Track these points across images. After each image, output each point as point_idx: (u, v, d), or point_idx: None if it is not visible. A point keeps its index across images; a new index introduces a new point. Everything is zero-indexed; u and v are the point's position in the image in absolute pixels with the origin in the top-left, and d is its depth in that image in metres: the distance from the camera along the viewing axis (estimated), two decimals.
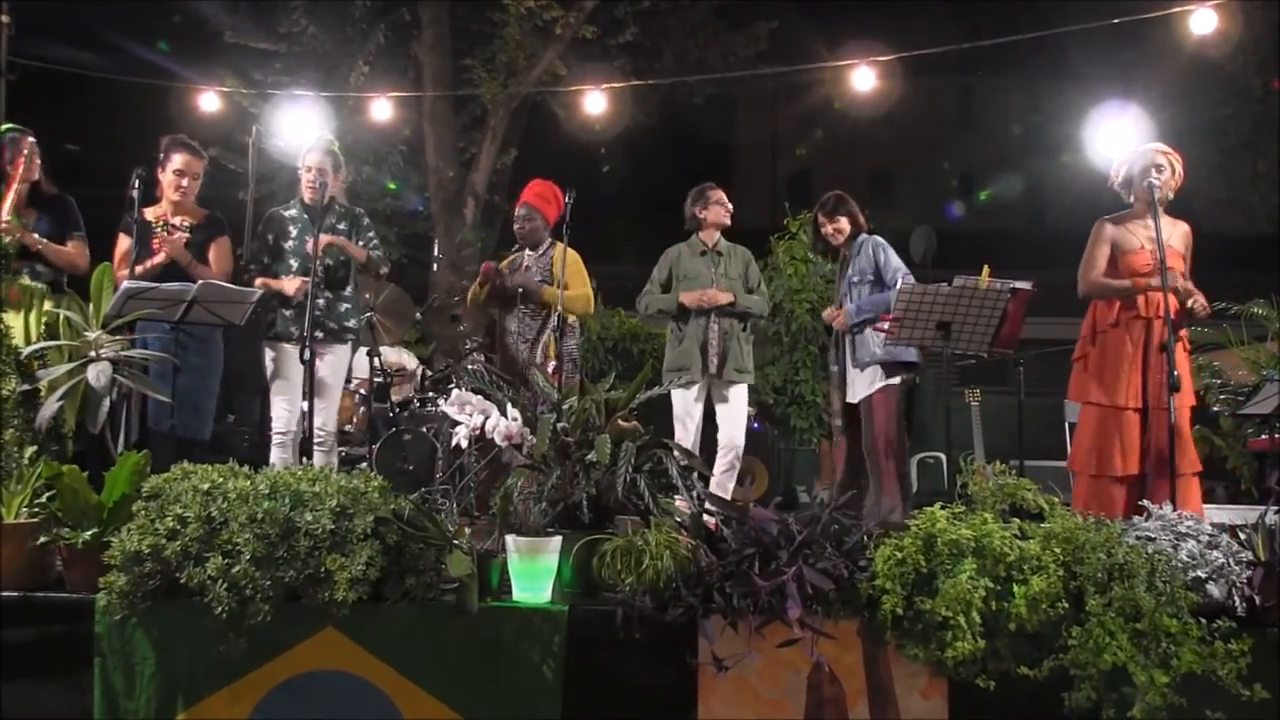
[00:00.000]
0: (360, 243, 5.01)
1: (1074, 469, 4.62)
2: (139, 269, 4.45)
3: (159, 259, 4.59)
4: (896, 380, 5.12)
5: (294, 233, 4.97)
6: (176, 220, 4.75)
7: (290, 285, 4.81)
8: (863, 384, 5.12)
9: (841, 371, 5.26)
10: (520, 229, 5.29)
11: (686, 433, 5.24)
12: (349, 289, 5.04)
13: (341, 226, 5.02)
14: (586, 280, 5.21)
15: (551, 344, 5.11)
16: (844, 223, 5.28)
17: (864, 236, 5.26)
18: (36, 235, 4.42)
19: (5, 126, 4.61)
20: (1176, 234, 4.52)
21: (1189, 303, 4.38)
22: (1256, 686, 2.52)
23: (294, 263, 4.93)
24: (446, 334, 6.41)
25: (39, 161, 4.57)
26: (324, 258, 4.79)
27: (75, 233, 4.57)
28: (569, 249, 4.93)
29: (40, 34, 8.96)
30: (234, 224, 5.11)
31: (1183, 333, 4.46)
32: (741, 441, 5.29)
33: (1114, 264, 4.55)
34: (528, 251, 5.30)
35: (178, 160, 4.77)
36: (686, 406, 5.27)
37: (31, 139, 4.57)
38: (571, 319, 5.16)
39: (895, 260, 5.16)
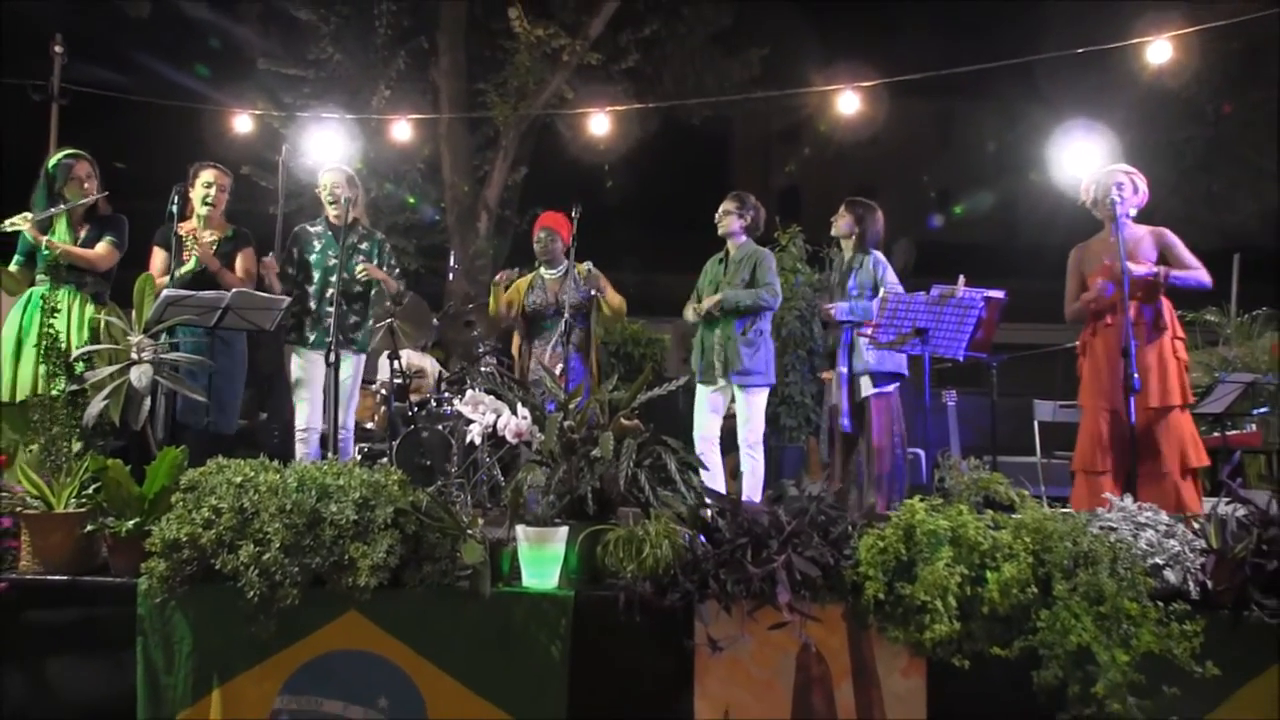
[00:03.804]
0: (384, 269, 5.08)
1: (1073, 468, 4.61)
2: (178, 271, 4.51)
3: (189, 265, 4.63)
4: (891, 388, 5.13)
5: (318, 247, 5.02)
6: (206, 234, 4.79)
7: (264, 265, 4.89)
8: (864, 388, 5.15)
9: (850, 373, 5.23)
10: (543, 249, 5.46)
11: (706, 426, 5.22)
12: (359, 304, 5.08)
13: (364, 247, 5.06)
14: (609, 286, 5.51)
15: (596, 349, 5.37)
16: (848, 220, 5.29)
17: (871, 255, 5.24)
18: (55, 240, 4.43)
19: (62, 153, 4.62)
20: (1147, 241, 4.48)
21: (1157, 276, 4.32)
22: (1209, 664, 2.53)
23: (316, 275, 4.97)
24: (461, 339, 6.42)
25: (95, 185, 4.59)
26: (347, 275, 4.85)
27: (106, 236, 4.58)
28: (594, 268, 5.33)
29: (92, 60, 9.03)
30: (265, 236, 5.14)
31: (1179, 337, 4.42)
32: (755, 440, 5.10)
33: (1085, 286, 4.57)
34: (544, 271, 5.41)
35: (205, 176, 4.84)
36: (705, 402, 5.25)
37: (87, 165, 4.59)
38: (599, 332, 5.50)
39: (892, 279, 5.16)
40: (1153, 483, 4.20)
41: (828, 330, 5.49)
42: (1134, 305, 4.30)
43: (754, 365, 5.10)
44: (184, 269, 4.62)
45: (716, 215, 5.35)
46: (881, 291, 4.97)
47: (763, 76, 11.71)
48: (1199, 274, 4.40)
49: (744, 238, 5.30)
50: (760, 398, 5.16)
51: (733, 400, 5.21)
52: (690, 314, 5.30)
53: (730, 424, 5.32)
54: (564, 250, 5.38)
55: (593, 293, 5.27)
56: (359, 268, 4.95)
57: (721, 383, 5.16)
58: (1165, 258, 4.44)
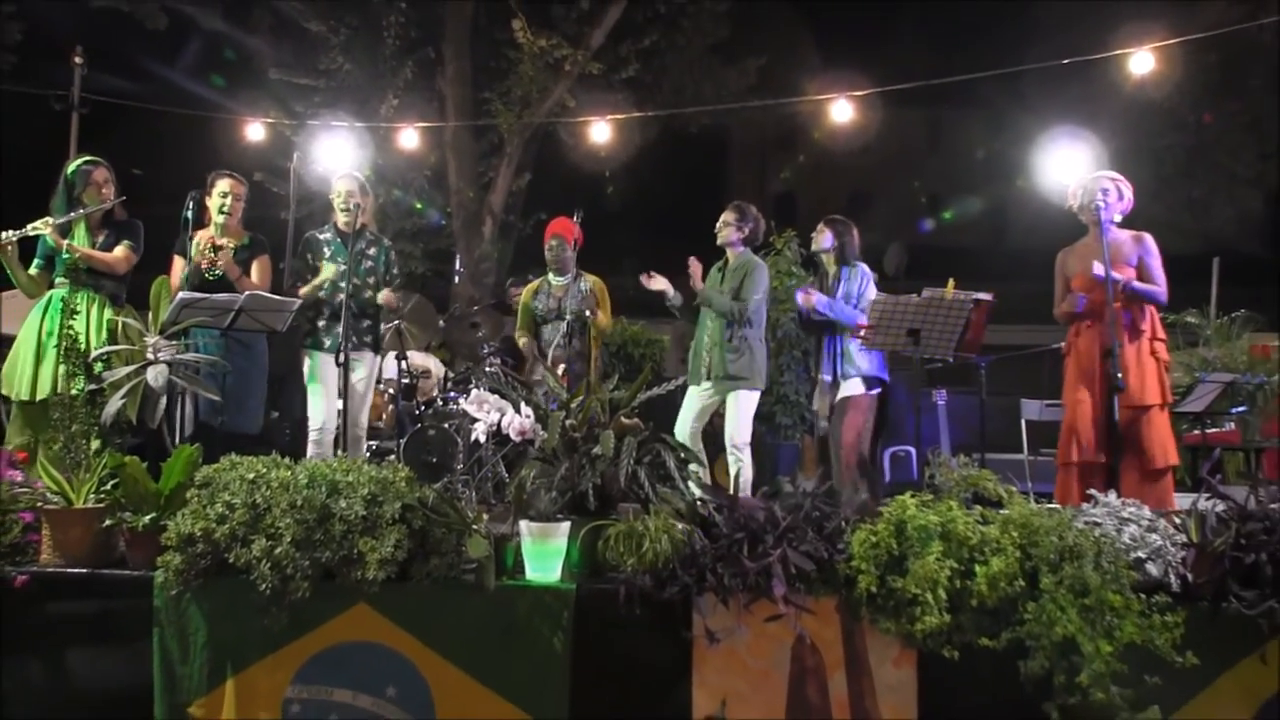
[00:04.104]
0: (387, 276, 5.08)
1: (1058, 461, 4.59)
2: (203, 273, 4.55)
3: (217, 269, 4.63)
4: (873, 392, 5.12)
5: (328, 254, 5.00)
6: (223, 241, 4.79)
7: (327, 271, 4.88)
8: (846, 388, 5.15)
9: (833, 379, 5.22)
10: (554, 256, 5.51)
11: (686, 424, 5.23)
12: (371, 308, 5.06)
13: (371, 253, 5.05)
14: (608, 302, 5.59)
15: (595, 356, 5.43)
16: (827, 236, 5.30)
17: (858, 267, 5.24)
18: (75, 244, 4.43)
19: (80, 160, 4.62)
20: (1129, 246, 4.47)
21: (1118, 285, 4.31)
22: (1189, 654, 2.53)
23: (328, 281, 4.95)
24: (466, 340, 6.42)
25: (113, 190, 4.59)
26: (358, 280, 4.86)
27: (124, 240, 4.57)
28: (595, 276, 5.47)
29: (111, 71, 9.06)
30: (277, 241, 5.14)
31: (1159, 338, 4.43)
32: (741, 440, 5.06)
33: (1068, 289, 4.58)
34: (553, 277, 5.44)
35: (222, 185, 4.84)
36: (691, 401, 5.26)
37: (105, 171, 4.59)
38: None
39: (871, 295, 5.17)
40: (1132, 478, 4.21)
41: (806, 330, 5.47)
42: (1115, 306, 4.31)
43: (736, 370, 5.08)
44: (208, 267, 4.63)
45: (717, 225, 5.34)
46: (873, 294, 4.97)
47: (759, 85, 11.73)
48: (1157, 291, 4.43)
49: (741, 248, 5.29)
50: (747, 400, 5.12)
51: (723, 401, 5.21)
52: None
53: (720, 424, 5.33)
54: (573, 256, 5.44)
55: (587, 312, 5.31)
56: (380, 296, 4.96)
57: (706, 384, 5.17)
58: (1140, 264, 4.46)
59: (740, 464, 5.02)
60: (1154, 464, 4.27)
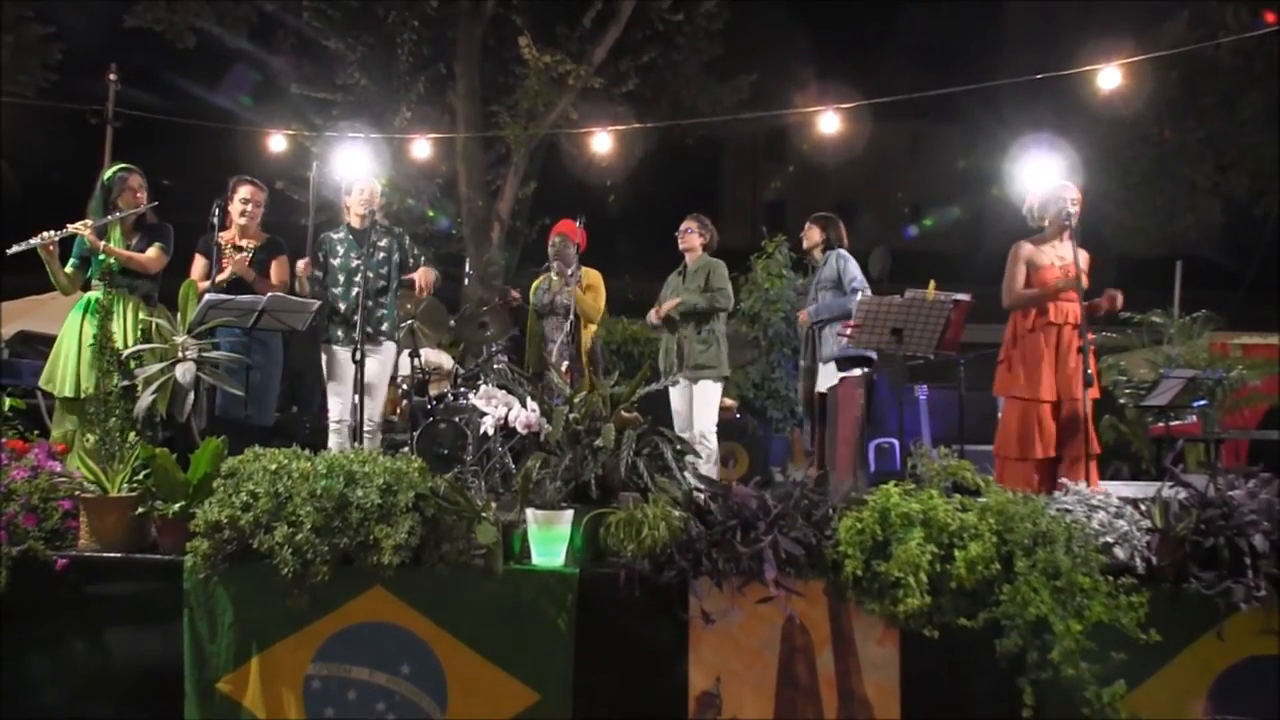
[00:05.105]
0: (410, 260, 5.04)
1: (998, 453, 4.54)
2: (216, 280, 4.54)
3: (225, 274, 4.62)
4: (858, 372, 5.13)
5: (341, 252, 4.98)
6: (242, 243, 4.78)
7: (299, 266, 4.80)
8: (828, 376, 5.15)
9: (810, 366, 5.27)
10: (556, 253, 5.64)
11: (679, 419, 5.28)
12: (386, 298, 5.02)
13: (384, 244, 5.01)
14: (601, 294, 5.64)
15: (587, 346, 5.49)
16: (815, 232, 5.39)
17: (834, 251, 5.30)
18: (110, 245, 4.43)
19: (116, 167, 4.62)
20: (1081, 258, 4.49)
21: (1102, 302, 4.35)
22: (1152, 631, 2.54)
23: (342, 278, 4.93)
24: (476, 338, 6.40)
25: (146, 196, 4.59)
26: (370, 274, 4.83)
27: (156, 242, 4.57)
28: (594, 270, 5.59)
29: (143, 87, 9.07)
30: (297, 246, 5.11)
31: (1090, 336, 4.44)
32: (706, 427, 5.15)
33: (1028, 279, 4.55)
34: (554, 274, 5.47)
35: (243, 191, 4.83)
36: (675, 399, 5.32)
37: (139, 178, 4.58)
38: (593, 329, 5.63)
39: (854, 270, 5.20)
40: (1074, 465, 4.21)
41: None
42: (1072, 310, 4.34)
43: (705, 360, 5.22)
44: (219, 276, 4.62)
45: (679, 231, 5.49)
46: (855, 292, 4.98)
47: (751, 100, 11.73)
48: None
49: (700, 252, 5.47)
50: (713, 390, 5.23)
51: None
52: (652, 317, 5.44)
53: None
54: (575, 256, 5.53)
55: (565, 299, 5.37)
56: (418, 275, 4.91)
57: (679, 376, 5.23)
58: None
59: (708, 450, 5.06)
60: (1092, 450, 4.28)
